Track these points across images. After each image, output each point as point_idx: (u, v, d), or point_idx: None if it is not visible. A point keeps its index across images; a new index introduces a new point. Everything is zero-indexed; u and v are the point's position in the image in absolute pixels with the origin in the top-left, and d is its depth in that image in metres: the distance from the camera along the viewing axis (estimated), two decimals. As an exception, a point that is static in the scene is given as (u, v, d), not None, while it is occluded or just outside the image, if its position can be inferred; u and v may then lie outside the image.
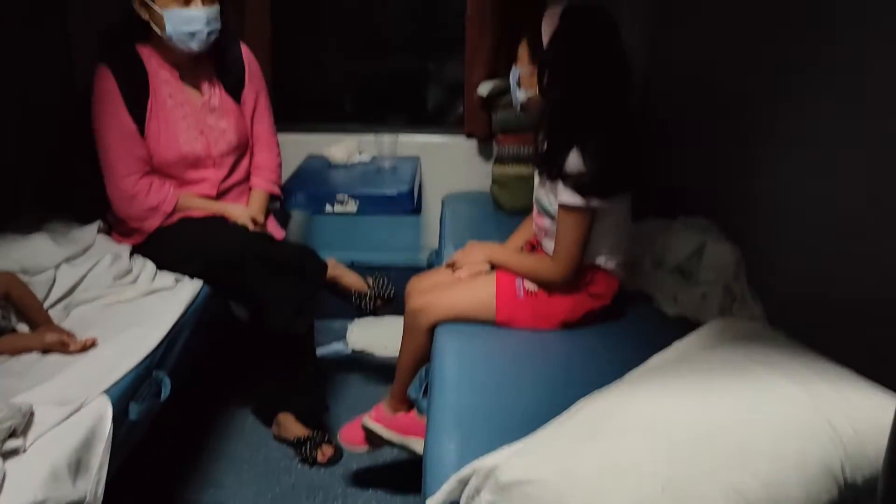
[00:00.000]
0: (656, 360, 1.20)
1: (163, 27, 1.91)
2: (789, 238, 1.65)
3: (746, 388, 0.97)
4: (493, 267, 1.82)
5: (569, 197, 1.61)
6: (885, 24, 1.28)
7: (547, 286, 1.71)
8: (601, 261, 1.71)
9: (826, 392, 0.95)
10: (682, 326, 1.75)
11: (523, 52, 1.77)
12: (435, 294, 1.78)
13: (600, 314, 1.75)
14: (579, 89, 1.62)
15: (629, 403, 0.99)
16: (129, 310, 1.80)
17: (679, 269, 1.93)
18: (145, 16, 1.94)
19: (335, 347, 2.73)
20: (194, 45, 1.95)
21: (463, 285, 1.79)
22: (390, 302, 2.26)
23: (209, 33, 1.96)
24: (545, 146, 1.68)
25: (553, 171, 1.64)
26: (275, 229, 2.23)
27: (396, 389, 1.89)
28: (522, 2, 2.58)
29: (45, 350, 1.59)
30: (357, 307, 2.24)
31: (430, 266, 2.56)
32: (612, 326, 1.76)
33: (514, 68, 1.81)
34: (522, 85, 1.78)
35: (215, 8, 1.96)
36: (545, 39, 1.66)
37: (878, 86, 1.31)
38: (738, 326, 1.21)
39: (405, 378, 1.87)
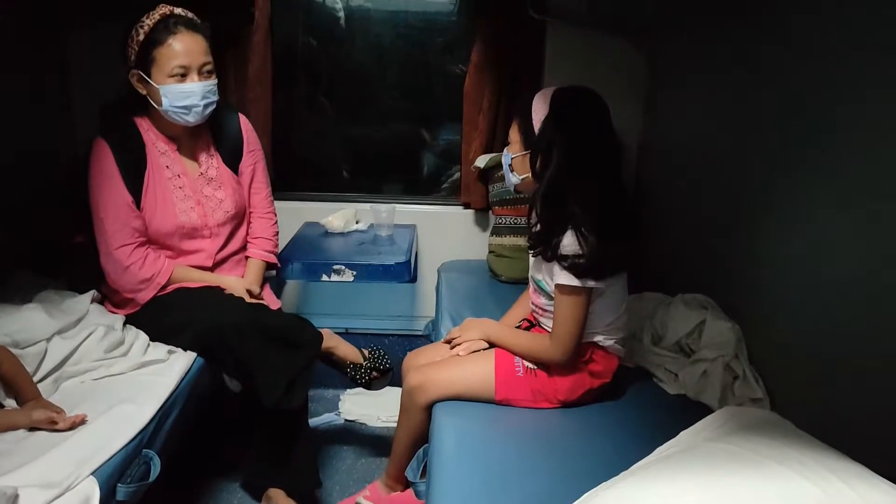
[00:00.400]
0: (665, 450, 1.17)
1: (159, 102, 1.93)
2: (788, 316, 1.65)
3: (761, 483, 0.94)
4: (491, 344, 1.81)
5: (566, 278, 1.60)
6: (886, 113, 1.31)
7: (546, 366, 1.69)
8: (599, 339, 1.70)
9: (841, 489, 0.93)
10: (683, 405, 1.75)
11: (515, 135, 1.77)
12: (433, 371, 1.76)
13: (600, 392, 1.73)
14: (571, 172, 1.62)
15: (640, 500, 0.96)
16: (121, 384, 1.76)
17: (679, 346, 1.92)
18: (143, 90, 1.96)
19: (327, 418, 2.69)
20: (191, 119, 1.97)
21: (461, 363, 1.76)
22: (386, 374, 2.22)
23: (206, 106, 1.97)
24: (539, 227, 1.68)
25: (548, 252, 1.63)
26: (271, 299, 2.21)
27: (393, 468, 1.84)
28: (516, 82, 2.65)
29: (33, 427, 1.54)
30: (352, 378, 2.20)
31: (428, 337, 2.54)
32: (612, 405, 1.75)
33: (505, 152, 1.80)
34: (515, 169, 1.77)
35: (212, 81, 1.98)
36: (536, 123, 1.68)
37: (875, 164, 1.33)
38: (746, 415, 1.19)
39: (402, 457, 1.83)
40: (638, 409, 1.72)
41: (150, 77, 1.92)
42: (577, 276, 1.59)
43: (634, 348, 1.96)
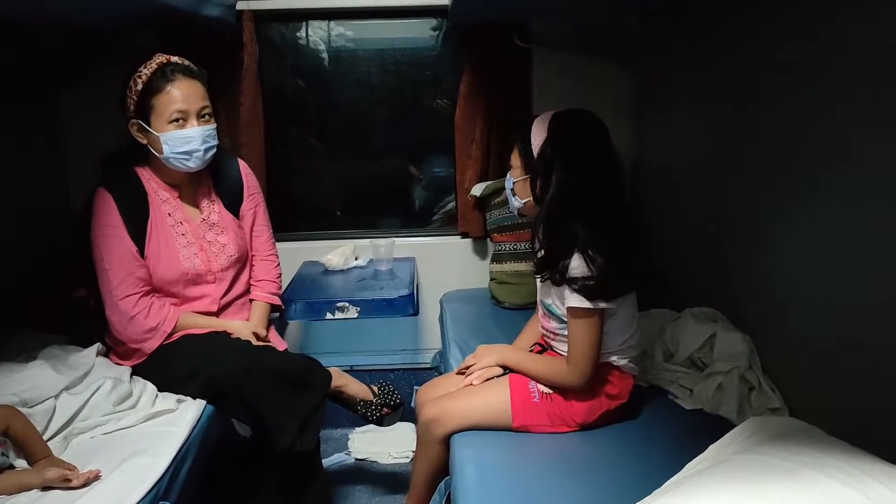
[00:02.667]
0: (695, 465, 1.16)
1: (160, 149, 1.94)
2: (799, 324, 1.66)
3: (802, 493, 0.93)
4: (505, 370, 1.80)
5: (577, 301, 1.60)
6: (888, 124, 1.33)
7: (563, 389, 1.68)
8: (614, 359, 1.70)
9: (882, 492, 0.92)
10: (701, 420, 1.74)
11: (515, 160, 1.78)
12: (448, 403, 1.74)
13: (617, 413, 1.72)
14: (572, 194, 1.62)
15: (680, 518, 0.95)
16: (132, 437, 1.73)
17: (691, 361, 1.92)
18: (143, 140, 1.96)
19: (338, 458, 2.66)
20: (192, 164, 1.98)
21: (476, 392, 1.75)
22: (397, 410, 2.20)
23: (206, 151, 1.98)
24: (544, 251, 1.68)
25: (556, 276, 1.63)
26: (277, 341, 2.19)
27: None
28: (506, 111, 2.67)
29: (46, 487, 1.51)
30: (363, 416, 2.17)
31: (435, 369, 2.52)
32: (631, 424, 1.74)
33: (508, 177, 1.82)
34: (517, 193, 1.79)
35: (212, 126, 1.99)
36: (535, 147, 1.68)
37: (877, 168, 1.35)
38: (773, 425, 1.18)
39: (422, 492, 1.81)
40: (657, 426, 1.71)
41: (149, 125, 1.93)
42: (589, 298, 1.59)
43: (647, 366, 1.95)
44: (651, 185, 2.64)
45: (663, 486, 1.13)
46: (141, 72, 1.92)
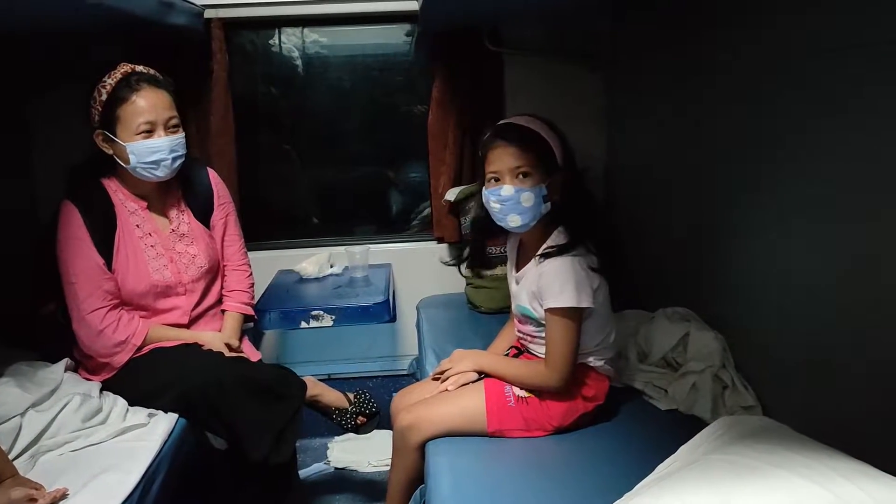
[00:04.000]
0: (666, 467, 1.16)
1: (126, 160, 1.91)
2: (770, 322, 1.67)
3: (769, 492, 0.93)
4: (481, 375, 1.79)
5: (564, 301, 1.60)
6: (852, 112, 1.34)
7: (540, 392, 1.68)
8: (591, 360, 1.70)
9: (850, 489, 0.92)
10: (676, 420, 1.75)
11: (532, 169, 1.65)
12: (423, 409, 1.73)
13: (593, 415, 1.72)
14: (572, 194, 1.68)
15: (649, 520, 0.94)
16: (102, 453, 1.70)
17: (665, 361, 1.92)
18: (108, 150, 1.93)
19: (317, 468, 2.63)
20: (160, 174, 1.95)
21: (451, 397, 1.74)
22: (373, 417, 2.19)
23: (174, 160, 1.96)
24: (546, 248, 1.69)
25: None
26: (250, 351, 2.16)
27: None
28: (478, 115, 2.68)
29: (12, 507, 1.47)
30: (339, 424, 2.16)
31: (413, 376, 2.51)
32: (605, 426, 1.73)
33: (522, 187, 1.64)
34: (525, 202, 1.68)
35: (179, 136, 1.97)
36: (556, 149, 1.69)
37: (844, 164, 1.36)
38: (742, 424, 1.18)
39: (398, 499, 1.79)
40: (631, 428, 1.71)
41: (115, 136, 1.90)
42: (576, 297, 1.60)
43: (621, 367, 1.95)
44: (623, 187, 2.65)
45: (634, 488, 1.13)
46: (105, 81, 1.89)
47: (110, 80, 1.89)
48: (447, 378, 1.80)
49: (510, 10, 2.50)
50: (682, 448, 1.20)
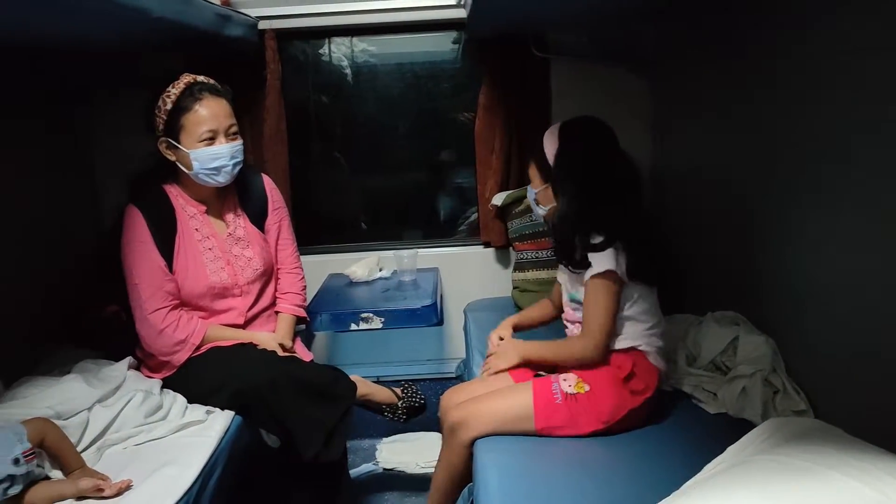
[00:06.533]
0: (713, 467, 1.16)
1: (189, 166, 1.99)
2: (823, 325, 1.64)
3: (818, 492, 0.93)
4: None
5: (599, 265, 1.67)
6: None
7: (585, 365, 1.73)
8: (640, 345, 1.73)
9: (900, 491, 0.91)
10: (725, 423, 1.73)
11: (533, 173, 1.86)
12: (473, 406, 1.76)
13: (643, 411, 1.72)
14: (591, 198, 1.71)
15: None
16: (162, 448, 1.77)
17: (714, 365, 1.91)
18: (171, 157, 2.02)
19: (366, 468, 2.67)
20: (221, 179, 2.03)
21: (500, 396, 1.77)
22: (421, 411, 2.26)
23: (234, 166, 2.04)
24: (566, 242, 1.75)
25: (579, 254, 1.71)
26: (302, 352, 2.23)
27: None
28: (525, 120, 2.70)
29: (81, 497, 1.55)
30: (390, 420, 2.24)
31: (460, 378, 2.53)
32: (654, 428, 1.73)
33: (529, 188, 1.90)
34: (540, 202, 1.86)
35: (239, 143, 2.05)
36: (549, 156, 1.77)
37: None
38: (791, 426, 1.18)
39: (443, 498, 1.82)
40: (680, 430, 1.70)
41: (179, 143, 1.99)
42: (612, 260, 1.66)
43: (670, 371, 1.95)
44: (671, 189, 2.63)
45: (681, 487, 1.13)
46: (169, 91, 1.98)
47: (174, 90, 1.98)
48: (488, 368, 1.90)
49: (557, 18, 2.51)
50: (730, 449, 1.20)
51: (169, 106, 1.97)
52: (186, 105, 1.97)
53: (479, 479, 1.58)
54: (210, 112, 1.99)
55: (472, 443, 1.72)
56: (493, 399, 1.76)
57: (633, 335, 1.72)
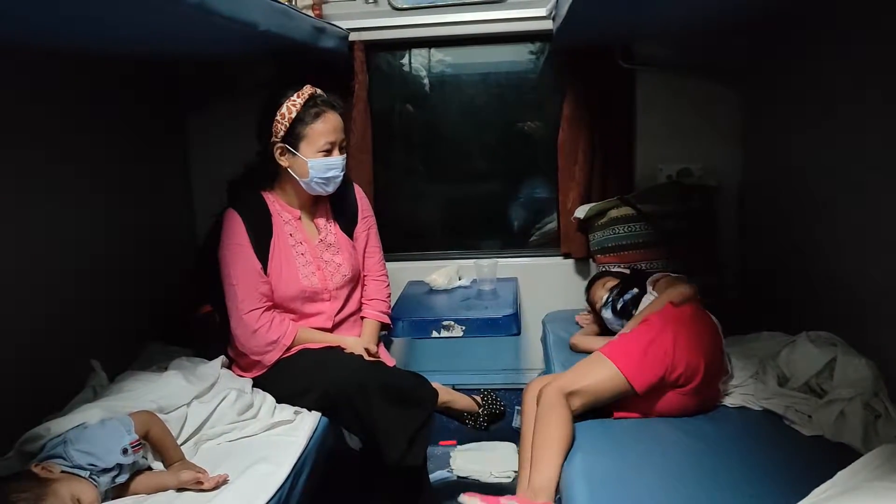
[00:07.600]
0: (823, 491, 1.13)
1: (304, 174, 2.08)
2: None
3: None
4: None
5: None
6: None
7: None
8: None
9: None
10: (823, 446, 1.68)
11: None
12: (563, 377, 1.87)
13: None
14: None
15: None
16: (254, 445, 1.83)
17: (808, 386, 1.85)
18: (284, 163, 2.10)
19: (440, 475, 2.69)
20: (330, 188, 2.13)
21: (583, 372, 1.87)
22: (501, 418, 2.28)
23: (342, 177, 2.13)
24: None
25: None
26: (386, 357, 2.27)
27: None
28: (612, 132, 2.68)
29: (180, 488, 1.62)
30: (472, 428, 2.26)
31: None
32: (748, 447, 1.69)
33: None
34: None
35: (345, 156, 2.15)
36: None
37: None
38: (908, 452, 1.14)
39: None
40: (778, 451, 1.65)
41: (297, 151, 2.07)
42: None
43: (758, 391, 1.90)
44: (762, 205, 2.57)
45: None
46: (295, 100, 2.06)
47: (299, 100, 2.07)
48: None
49: (651, 31, 2.49)
50: (840, 473, 1.17)
51: (294, 114, 2.05)
52: (310, 116, 2.06)
53: (567, 492, 1.58)
54: (331, 125, 2.08)
55: (569, 403, 1.79)
56: (578, 375, 1.87)
57: None
